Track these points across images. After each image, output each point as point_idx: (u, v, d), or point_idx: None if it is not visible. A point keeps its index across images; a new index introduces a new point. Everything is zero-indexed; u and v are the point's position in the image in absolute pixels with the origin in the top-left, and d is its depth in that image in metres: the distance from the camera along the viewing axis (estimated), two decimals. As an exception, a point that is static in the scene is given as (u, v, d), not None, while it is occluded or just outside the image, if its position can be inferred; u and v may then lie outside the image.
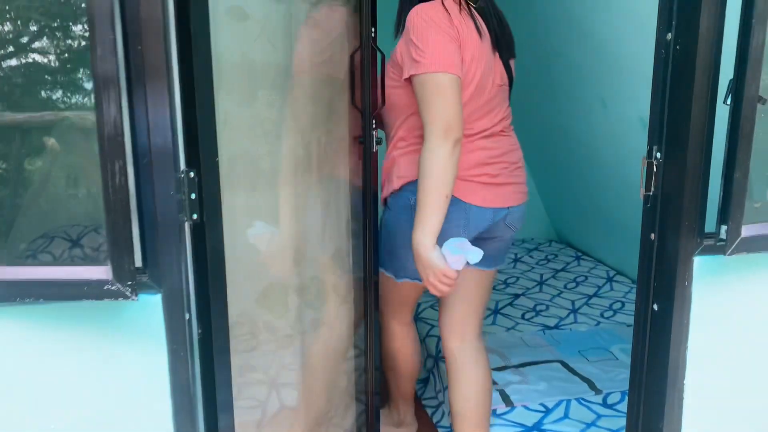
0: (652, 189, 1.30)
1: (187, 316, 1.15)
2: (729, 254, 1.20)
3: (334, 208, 1.74)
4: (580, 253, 3.83)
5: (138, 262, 1.08)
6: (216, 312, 1.21)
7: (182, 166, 1.15)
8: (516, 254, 3.82)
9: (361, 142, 1.85)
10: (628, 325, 2.84)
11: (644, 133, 2.73)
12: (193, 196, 1.16)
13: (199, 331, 1.22)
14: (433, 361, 2.62)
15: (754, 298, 1.35)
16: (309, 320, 1.69)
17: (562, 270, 3.57)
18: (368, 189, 1.86)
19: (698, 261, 1.25)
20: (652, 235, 1.31)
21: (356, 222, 1.87)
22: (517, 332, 2.77)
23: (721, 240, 1.23)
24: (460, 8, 1.59)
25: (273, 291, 1.51)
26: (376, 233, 1.87)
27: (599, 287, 3.32)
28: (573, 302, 3.12)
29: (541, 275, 3.48)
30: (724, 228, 1.21)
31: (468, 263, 1.52)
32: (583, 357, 2.56)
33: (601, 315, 2.97)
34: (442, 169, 1.49)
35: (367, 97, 1.78)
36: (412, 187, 1.67)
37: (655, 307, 1.32)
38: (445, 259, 1.50)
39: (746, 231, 1.20)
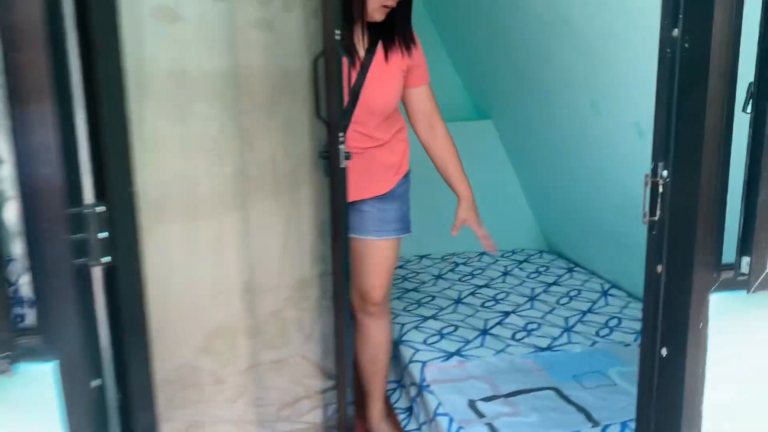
0: (658, 213, 1.10)
1: (97, 383, 0.94)
2: (753, 291, 1.01)
3: (295, 233, 1.53)
4: (572, 265, 3.63)
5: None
6: (135, 371, 0.99)
7: (88, 199, 0.94)
8: (506, 267, 3.62)
9: (326, 158, 1.65)
10: (626, 345, 2.64)
11: (639, 140, 2.56)
12: (102, 234, 0.95)
13: (119, 396, 1.01)
14: (417, 390, 2.41)
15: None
16: (268, 363, 1.48)
17: (554, 284, 3.37)
18: (337, 209, 1.66)
19: (715, 299, 1.06)
20: (659, 268, 1.11)
21: (324, 246, 1.66)
22: (507, 355, 2.57)
23: (742, 274, 1.03)
24: None
25: (220, 335, 1.30)
26: (347, 256, 1.67)
27: (594, 302, 3.12)
28: (566, 319, 2.92)
29: (533, 289, 3.28)
30: (746, 260, 1.01)
31: None
32: (578, 383, 2.36)
33: (597, 333, 2.77)
34: None
35: (334, 108, 1.59)
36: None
37: (664, 352, 1.12)
38: None
39: (773, 264, 1.00)
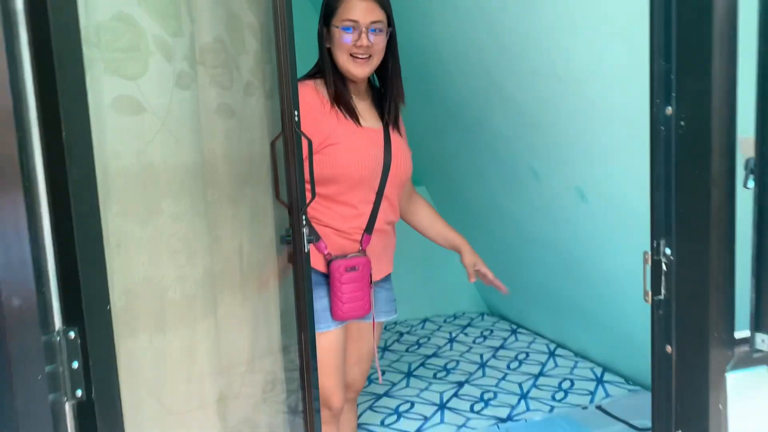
0: (663, 292, 1.07)
1: None
2: (773, 370, 0.99)
3: (264, 330, 1.41)
4: (515, 326, 3.63)
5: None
6: None
7: (56, 324, 0.80)
8: (450, 333, 3.56)
9: (288, 241, 1.55)
10: (584, 408, 2.62)
11: (581, 204, 2.61)
12: (75, 364, 0.80)
13: None
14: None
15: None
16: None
17: (501, 347, 3.34)
18: (301, 297, 1.55)
19: (732, 377, 1.03)
20: (669, 348, 1.07)
21: (290, 340, 1.54)
22: (470, 430, 2.48)
23: (757, 350, 1.01)
24: None
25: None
26: (313, 351, 1.55)
27: (543, 364, 3.11)
28: (520, 385, 2.87)
29: (481, 355, 3.23)
30: (761, 337, 0.99)
31: None
32: (546, 454, 2.30)
33: (553, 398, 2.74)
34: None
35: (294, 189, 1.50)
36: None
37: (681, 435, 1.08)
38: None
39: (788, 338, 0.99)
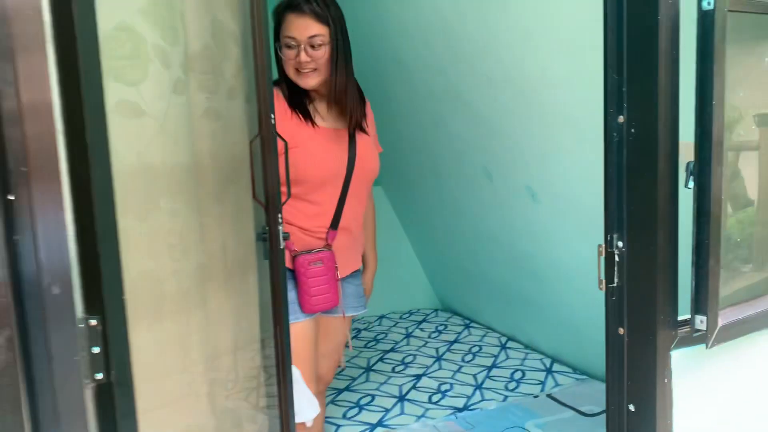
0: (616, 280, 1.20)
1: None
2: (710, 347, 1.13)
3: (246, 323, 1.48)
4: (468, 321, 3.78)
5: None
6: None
7: (78, 312, 0.86)
8: (407, 329, 3.68)
9: (264, 239, 1.62)
10: (535, 396, 2.77)
11: (532, 203, 2.76)
12: (95, 349, 0.87)
13: None
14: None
15: (737, 384, 1.29)
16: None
17: (456, 341, 3.47)
18: (276, 292, 1.62)
19: (676, 355, 1.17)
20: (621, 330, 1.21)
21: (266, 333, 1.61)
22: (429, 420, 2.59)
23: (697, 330, 1.16)
24: None
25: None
26: (288, 341, 1.63)
27: (495, 356, 3.25)
28: (475, 376, 3.01)
29: (437, 350, 3.36)
30: (700, 318, 1.14)
31: None
32: (503, 440, 2.43)
33: (506, 387, 2.89)
34: None
35: (270, 188, 1.58)
36: None
37: (632, 407, 1.21)
38: None
39: (723, 318, 1.14)
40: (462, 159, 2.98)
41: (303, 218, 1.88)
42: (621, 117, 1.16)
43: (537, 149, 2.54)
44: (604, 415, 2.52)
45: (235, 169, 1.45)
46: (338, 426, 2.56)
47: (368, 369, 3.13)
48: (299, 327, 1.87)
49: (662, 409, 1.17)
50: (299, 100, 1.84)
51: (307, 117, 1.84)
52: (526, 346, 3.35)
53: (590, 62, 2.02)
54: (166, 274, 1.15)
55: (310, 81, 1.81)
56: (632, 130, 1.15)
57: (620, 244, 1.19)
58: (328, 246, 1.91)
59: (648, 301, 1.16)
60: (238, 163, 1.47)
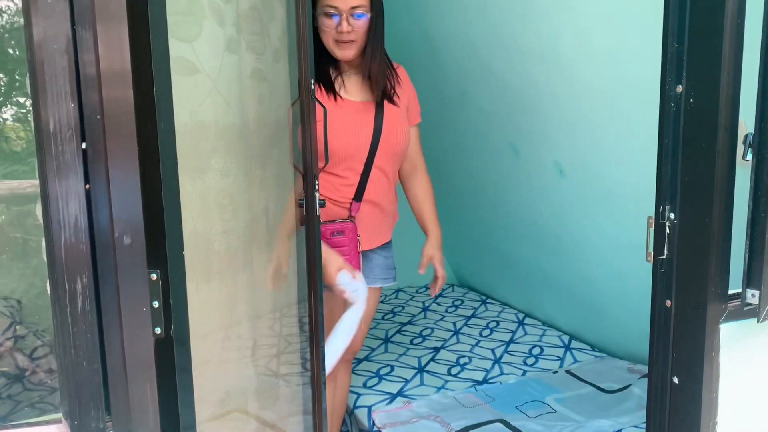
0: (665, 252, 1.19)
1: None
2: (762, 320, 1.12)
3: (284, 287, 1.48)
4: (484, 297, 3.78)
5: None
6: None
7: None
8: (424, 303, 3.69)
9: (301, 205, 1.62)
10: (554, 372, 2.78)
11: (559, 178, 2.74)
12: (155, 303, 0.87)
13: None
14: (367, 436, 2.38)
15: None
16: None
17: (473, 316, 3.48)
18: (312, 258, 1.62)
19: (725, 328, 1.16)
20: (668, 302, 1.20)
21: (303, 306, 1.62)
22: (449, 391, 2.61)
23: (748, 304, 1.15)
24: None
25: (233, 399, 1.22)
26: (321, 307, 1.64)
27: (513, 332, 3.26)
28: (493, 351, 3.02)
29: (455, 323, 3.37)
30: (751, 292, 1.13)
31: None
32: (522, 413, 2.44)
33: (524, 362, 2.90)
34: None
35: (308, 155, 1.57)
36: None
37: (676, 380, 1.21)
38: None
39: (775, 294, 1.13)
40: (489, 134, 2.95)
41: (330, 189, 1.87)
42: (679, 86, 1.14)
43: (567, 124, 2.51)
44: (625, 392, 2.55)
45: (278, 133, 1.44)
46: (359, 395, 2.57)
47: (386, 340, 3.15)
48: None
49: (708, 382, 1.17)
50: (324, 72, 1.83)
51: (330, 90, 1.83)
52: (544, 323, 3.35)
53: (631, 35, 2.00)
54: (216, 233, 1.15)
55: (350, 52, 1.79)
56: (691, 101, 1.13)
57: (672, 215, 1.18)
58: (351, 218, 1.90)
59: (699, 274, 1.15)
60: (282, 127, 1.46)
